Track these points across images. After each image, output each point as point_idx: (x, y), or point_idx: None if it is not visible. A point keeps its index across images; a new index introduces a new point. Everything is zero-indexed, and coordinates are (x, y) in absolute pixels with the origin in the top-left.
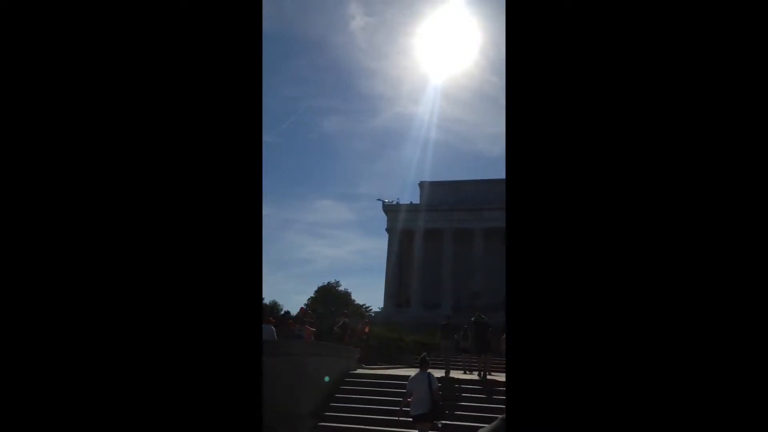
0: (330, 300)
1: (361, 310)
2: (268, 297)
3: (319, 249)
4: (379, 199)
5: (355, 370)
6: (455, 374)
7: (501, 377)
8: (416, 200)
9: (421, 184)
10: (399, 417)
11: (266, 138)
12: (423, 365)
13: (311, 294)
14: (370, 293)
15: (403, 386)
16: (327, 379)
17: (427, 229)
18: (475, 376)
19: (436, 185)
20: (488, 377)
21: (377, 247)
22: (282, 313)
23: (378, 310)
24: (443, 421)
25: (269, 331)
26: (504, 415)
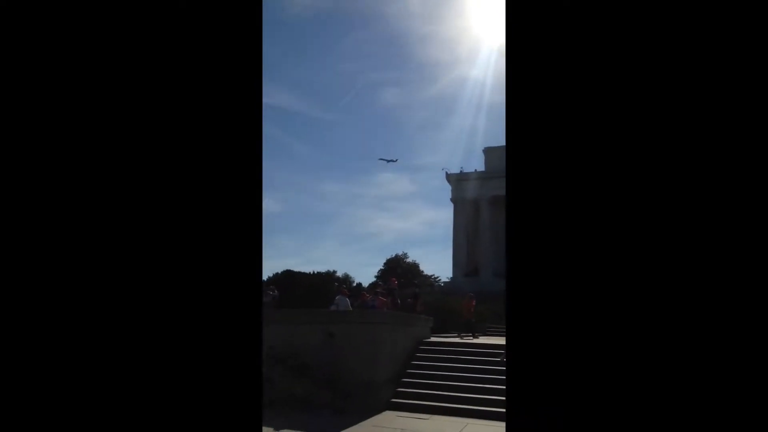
0: (398, 271)
1: (430, 281)
2: (340, 270)
3: (386, 222)
4: (443, 169)
5: (429, 338)
6: None
7: None
8: (481, 167)
9: (486, 150)
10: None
11: (326, 115)
12: None
13: (380, 266)
14: (438, 263)
15: (476, 353)
16: None
17: (493, 195)
18: None
19: (501, 150)
20: None
21: (443, 217)
22: (354, 284)
23: (447, 280)
24: None
25: (344, 302)
26: None
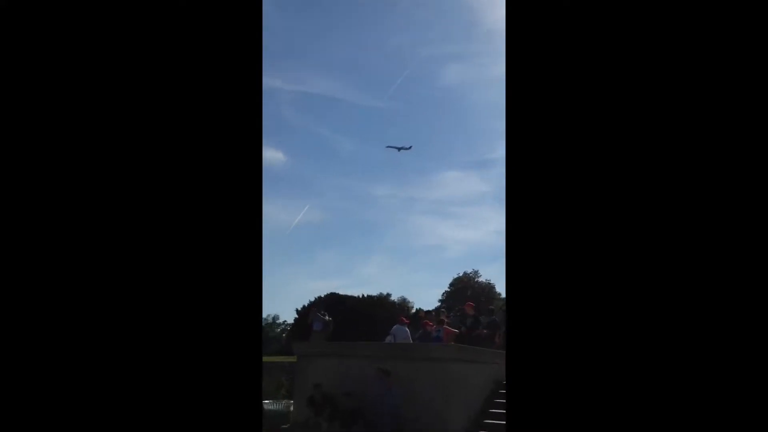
0: (468, 294)
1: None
2: (395, 292)
3: (450, 232)
4: None
5: None
6: None
7: None
8: None
9: None
10: None
11: (375, 103)
12: None
13: (445, 287)
14: None
15: None
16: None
17: None
18: None
19: None
20: None
21: None
22: (414, 311)
23: None
24: None
25: (403, 332)
26: None
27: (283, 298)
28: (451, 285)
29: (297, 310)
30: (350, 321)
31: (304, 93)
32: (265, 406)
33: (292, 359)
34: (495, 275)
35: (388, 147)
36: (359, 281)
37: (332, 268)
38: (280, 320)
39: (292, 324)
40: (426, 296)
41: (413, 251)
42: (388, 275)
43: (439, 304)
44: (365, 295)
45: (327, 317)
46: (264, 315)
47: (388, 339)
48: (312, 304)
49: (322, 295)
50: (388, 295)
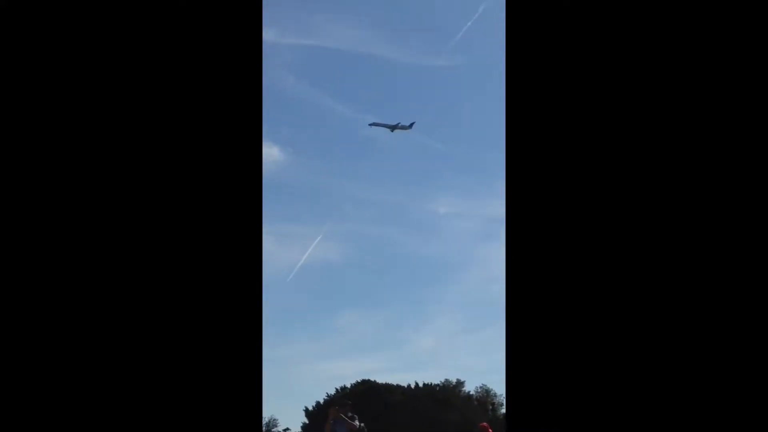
0: None
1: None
2: (471, 380)
3: None
4: None
5: None
6: None
7: None
8: None
9: None
10: None
11: (435, 62)
12: None
13: None
14: None
15: None
16: None
17: None
18: None
19: None
20: None
21: None
22: (502, 410)
23: None
24: None
25: None
26: None
27: (284, 389)
28: None
29: (307, 411)
30: (396, 426)
31: (313, 48)
32: None
33: None
34: None
35: (373, 125)
36: (408, 361)
37: (363, 340)
38: (280, 427)
39: None
40: None
41: (497, 307)
42: (458, 351)
43: None
44: (419, 384)
45: (357, 422)
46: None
47: None
48: (331, 401)
49: (348, 385)
50: (460, 383)
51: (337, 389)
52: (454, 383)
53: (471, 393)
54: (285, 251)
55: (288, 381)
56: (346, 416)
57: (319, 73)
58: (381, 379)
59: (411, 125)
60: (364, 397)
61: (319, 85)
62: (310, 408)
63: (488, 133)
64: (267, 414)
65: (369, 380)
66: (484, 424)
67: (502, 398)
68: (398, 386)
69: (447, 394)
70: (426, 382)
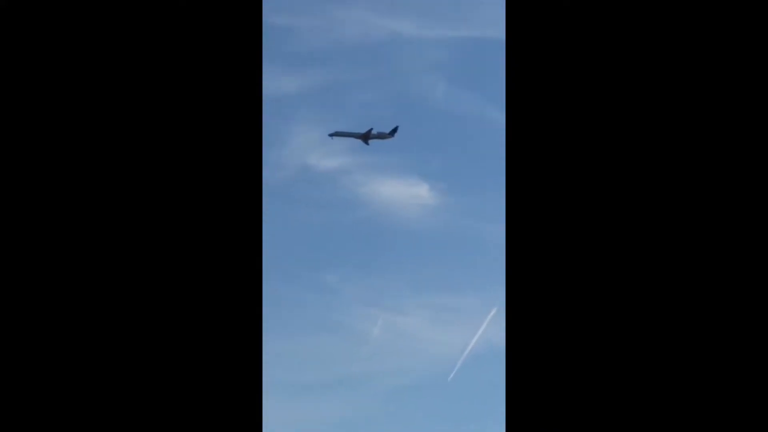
0: None
1: None
2: None
3: None
4: None
5: None
6: None
7: None
8: None
9: None
10: None
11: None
12: None
13: None
14: None
15: None
16: None
17: None
18: None
19: None
20: None
21: None
22: None
23: None
24: None
25: None
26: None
27: None
28: None
29: None
30: None
31: (467, 40)
32: None
33: None
34: None
35: (333, 134)
36: None
37: None
38: None
39: None
40: None
41: None
42: None
43: None
44: None
45: None
46: None
47: None
48: None
49: None
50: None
51: None
52: None
53: None
54: (441, 333)
55: None
56: None
57: (477, 72)
58: None
59: (394, 130)
60: None
61: (479, 89)
62: None
63: None
64: None
65: None
66: None
67: None
68: None
69: None
70: None
